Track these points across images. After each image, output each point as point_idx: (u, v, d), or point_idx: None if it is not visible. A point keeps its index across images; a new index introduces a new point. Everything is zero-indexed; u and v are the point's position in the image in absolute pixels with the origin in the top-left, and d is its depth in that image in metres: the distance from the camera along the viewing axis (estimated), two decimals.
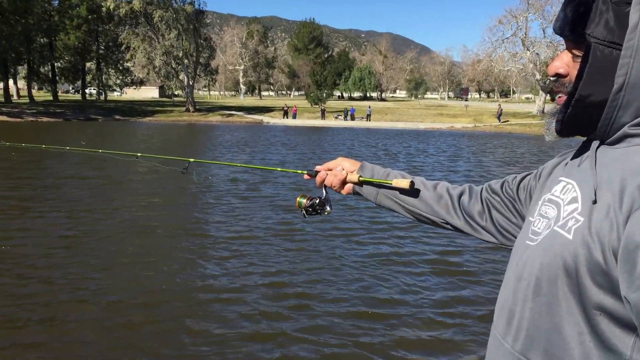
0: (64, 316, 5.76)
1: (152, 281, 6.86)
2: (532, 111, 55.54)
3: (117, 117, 50.90)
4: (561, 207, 1.14)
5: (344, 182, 1.75)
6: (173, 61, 59.24)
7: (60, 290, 6.49)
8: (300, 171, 1.91)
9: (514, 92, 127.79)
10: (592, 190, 1.05)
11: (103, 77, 76.28)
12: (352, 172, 1.75)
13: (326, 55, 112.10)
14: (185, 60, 59.92)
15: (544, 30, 53.86)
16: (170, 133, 35.80)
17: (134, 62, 61.37)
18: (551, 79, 1.20)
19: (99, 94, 78.23)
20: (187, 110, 58.21)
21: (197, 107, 60.47)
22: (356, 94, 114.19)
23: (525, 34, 54.97)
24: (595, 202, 1.04)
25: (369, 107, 57.22)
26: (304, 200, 1.82)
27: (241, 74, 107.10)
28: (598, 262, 0.99)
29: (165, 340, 5.29)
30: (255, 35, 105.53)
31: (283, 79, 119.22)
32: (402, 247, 8.79)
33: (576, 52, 1.13)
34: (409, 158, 22.84)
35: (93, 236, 9.04)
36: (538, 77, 52.80)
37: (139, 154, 2.85)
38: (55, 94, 69.05)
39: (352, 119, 54.86)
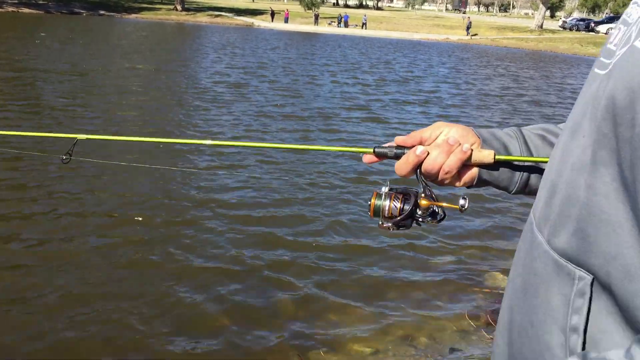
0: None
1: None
2: (530, 26, 54.16)
3: (102, 12, 48.72)
4: None
5: (461, 165, 1.00)
6: None
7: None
8: (357, 149, 1.09)
9: (513, 7, 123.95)
10: None
11: None
12: (473, 145, 1.01)
13: None
14: None
15: None
16: (158, 32, 34.52)
17: None
18: None
19: None
20: (175, 9, 55.91)
21: (185, 6, 58.10)
22: (352, 2, 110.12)
23: None
24: None
25: (365, 15, 55.62)
26: (387, 203, 0.99)
27: None
28: None
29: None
30: None
31: None
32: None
33: None
34: (407, 69, 22.25)
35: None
36: None
37: None
38: None
39: (346, 25, 53.30)
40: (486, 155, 0.98)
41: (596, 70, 0.72)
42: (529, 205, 0.84)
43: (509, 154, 1.01)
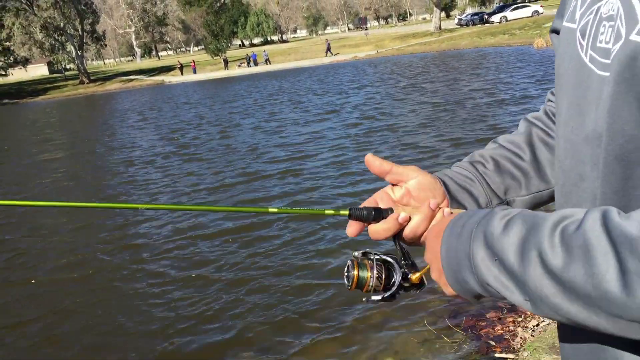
0: None
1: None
2: (430, 29, 56.31)
3: (5, 100, 47.29)
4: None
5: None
6: (55, 32, 55.31)
7: None
8: (331, 211, 0.90)
9: (410, 15, 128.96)
10: None
11: None
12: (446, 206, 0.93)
13: (219, 4, 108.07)
14: (69, 30, 56.11)
15: None
16: (65, 111, 33.69)
17: (13, 41, 56.87)
18: None
19: None
20: (82, 82, 54.99)
21: (92, 77, 57.23)
22: (257, 40, 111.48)
23: None
24: None
25: (264, 51, 56.79)
26: (372, 274, 0.86)
27: (133, 36, 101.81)
28: None
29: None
30: None
31: (179, 36, 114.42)
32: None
33: None
34: (329, 99, 21.70)
35: None
36: None
37: None
38: None
39: (256, 64, 53.96)
40: None
41: (598, 72, 0.68)
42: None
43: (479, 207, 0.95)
